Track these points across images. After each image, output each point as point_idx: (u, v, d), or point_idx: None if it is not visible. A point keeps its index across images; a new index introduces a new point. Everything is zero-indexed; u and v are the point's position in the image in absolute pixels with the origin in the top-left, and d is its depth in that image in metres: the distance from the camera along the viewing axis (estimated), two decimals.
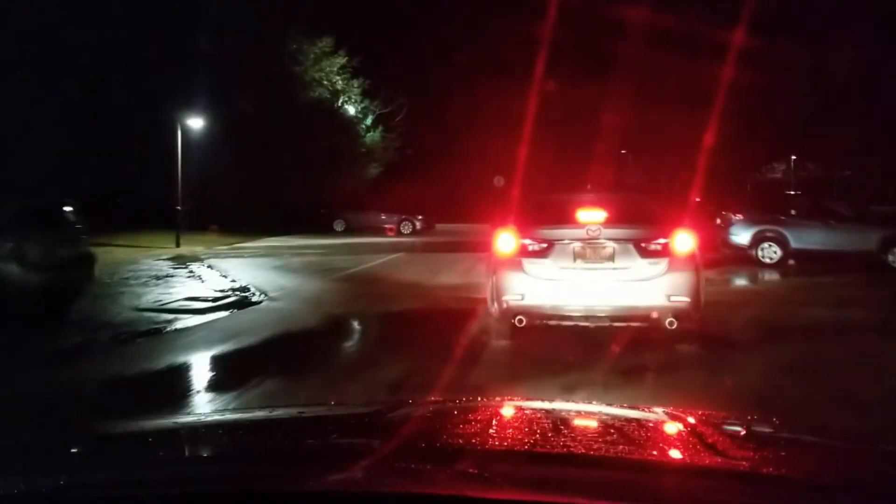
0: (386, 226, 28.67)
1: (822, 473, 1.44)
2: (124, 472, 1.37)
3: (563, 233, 6.21)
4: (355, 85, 34.87)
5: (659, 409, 2.07)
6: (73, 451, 1.64)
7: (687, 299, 6.01)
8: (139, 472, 1.35)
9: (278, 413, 2.22)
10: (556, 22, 23.97)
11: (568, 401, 4.02)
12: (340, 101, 34.41)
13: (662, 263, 6.02)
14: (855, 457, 1.66)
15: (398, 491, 1.17)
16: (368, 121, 37.06)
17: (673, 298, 5.98)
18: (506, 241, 6.31)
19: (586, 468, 1.33)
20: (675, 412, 1.99)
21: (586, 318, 6.19)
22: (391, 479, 1.22)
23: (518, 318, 6.25)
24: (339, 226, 28.85)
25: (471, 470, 1.23)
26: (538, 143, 27.75)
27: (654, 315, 6.07)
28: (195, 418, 2.73)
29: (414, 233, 28.61)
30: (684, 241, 6.16)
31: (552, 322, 6.35)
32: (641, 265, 6.04)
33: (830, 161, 56.04)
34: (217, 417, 2.54)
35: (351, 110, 36.23)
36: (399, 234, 28.44)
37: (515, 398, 3.49)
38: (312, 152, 29.67)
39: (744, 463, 1.43)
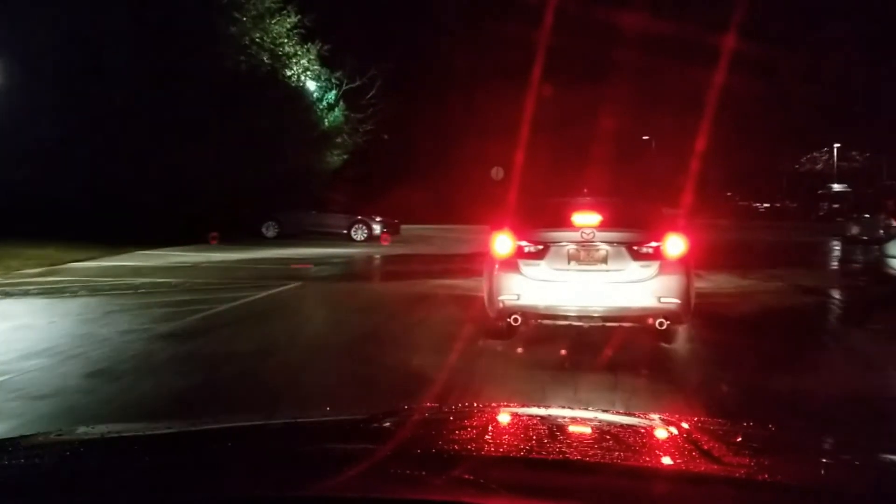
0: (333, 230, 21.01)
1: (819, 480, 1.43)
2: (115, 478, 1.31)
3: (559, 235, 6.16)
4: (311, 51, 27.10)
5: (655, 416, 2.06)
6: (59, 456, 1.53)
7: (677, 301, 5.97)
8: (131, 479, 1.30)
9: (273, 420, 2.17)
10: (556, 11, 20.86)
11: (565, 406, 3.48)
12: (293, 70, 26.66)
13: (654, 266, 6.00)
14: (852, 463, 1.63)
15: (394, 497, 1.17)
16: (331, 97, 29.35)
17: (663, 300, 5.94)
18: (503, 242, 6.26)
19: (582, 475, 1.31)
20: (670, 419, 2.01)
21: (580, 317, 6.18)
22: (387, 485, 1.20)
23: (514, 317, 6.21)
24: (269, 230, 21.22)
25: (466, 476, 1.21)
26: (536, 143, 25.27)
27: (646, 316, 6.05)
28: (188, 426, 2.20)
29: (370, 239, 20.94)
30: (675, 244, 6.09)
31: (547, 321, 6.36)
32: (633, 267, 6.01)
33: (880, 148, 48.24)
34: (211, 425, 2.04)
35: (311, 85, 28.55)
36: (350, 240, 20.79)
37: (511, 404, 3.23)
38: (240, 133, 22.05)
39: (740, 470, 1.42)
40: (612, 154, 34.65)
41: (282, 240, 20.43)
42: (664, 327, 6.06)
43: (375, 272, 13.84)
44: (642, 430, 1.84)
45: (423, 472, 1.25)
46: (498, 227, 6.41)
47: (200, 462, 1.43)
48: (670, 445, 1.71)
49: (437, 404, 2.83)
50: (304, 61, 27.12)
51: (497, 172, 34.53)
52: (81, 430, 1.96)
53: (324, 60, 28.19)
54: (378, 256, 17.09)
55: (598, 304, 6.08)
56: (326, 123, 28.34)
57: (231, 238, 19.81)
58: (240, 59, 24.08)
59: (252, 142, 22.60)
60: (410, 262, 16.14)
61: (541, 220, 6.46)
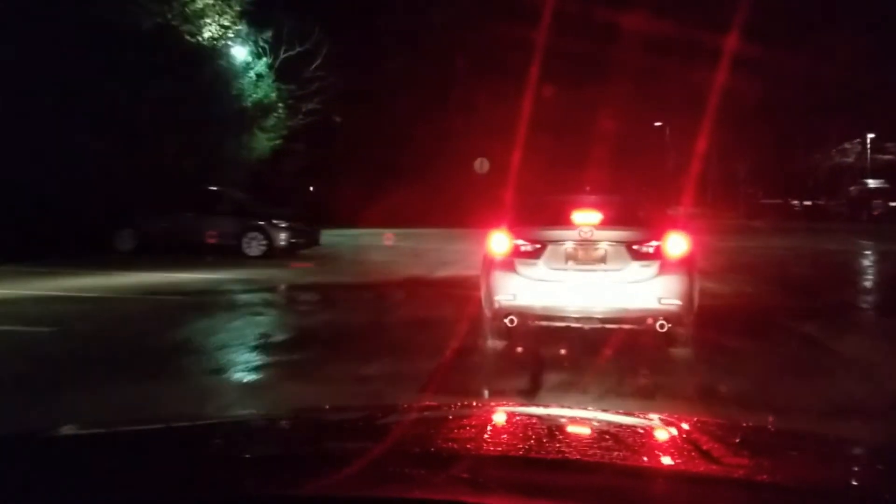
0: (216, 240, 14.09)
1: (817, 479, 1.40)
2: (113, 475, 1.26)
3: (556, 234, 5.86)
4: (231, 6, 20.22)
5: (654, 416, 2.01)
6: (57, 452, 1.46)
7: (678, 302, 5.63)
8: (128, 476, 1.25)
9: (271, 417, 2.16)
10: None
11: (563, 405, 3.29)
12: (204, 28, 19.77)
13: (654, 266, 5.69)
14: (850, 462, 1.61)
15: (391, 496, 1.13)
16: (262, 66, 22.48)
17: (664, 301, 5.62)
18: (499, 241, 5.96)
19: (581, 474, 1.27)
20: (670, 418, 1.95)
21: (577, 319, 5.88)
22: (384, 483, 1.15)
23: (510, 318, 5.89)
24: (125, 241, 14.23)
25: (464, 475, 1.17)
26: (534, 136, 21.98)
27: (645, 317, 5.73)
28: (186, 422, 2.06)
29: (270, 254, 13.95)
30: (676, 243, 5.74)
31: (543, 322, 6.03)
32: (633, 267, 5.70)
33: None
34: (209, 421, 2.12)
35: (240, 52, 21.75)
36: (240, 255, 13.86)
37: (510, 403, 3.20)
38: (105, 109, 15.19)
39: (739, 470, 1.41)
40: (619, 150, 28.93)
41: (138, 256, 13.53)
42: (664, 329, 5.65)
43: (150, 342, 6.74)
44: (641, 430, 1.78)
45: (422, 471, 1.23)
46: (495, 224, 6.09)
47: (197, 460, 1.38)
48: (669, 445, 1.66)
49: (435, 403, 2.67)
50: (221, 19, 20.29)
51: (481, 164, 28.22)
52: (77, 427, 1.78)
53: (251, 19, 21.36)
54: (230, 293, 10.07)
55: (596, 306, 5.72)
56: (251, 99, 21.47)
57: (67, 254, 13.01)
58: (115, 10, 17.23)
59: (123, 120, 15.78)
60: (278, 306, 9.21)
61: (538, 217, 6.13)
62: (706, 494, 1.20)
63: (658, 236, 5.70)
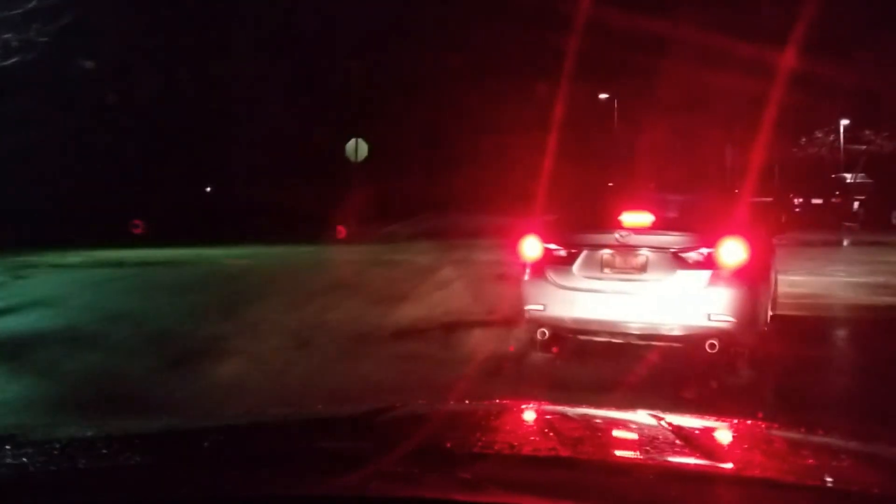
0: None
1: (816, 477, 1.40)
2: (113, 475, 1.27)
3: (591, 238, 5.52)
4: None
5: (652, 413, 1.97)
6: (56, 452, 1.47)
7: (732, 319, 5.06)
8: (125, 477, 1.26)
9: (269, 417, 2.15)
10: None
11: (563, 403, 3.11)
12: None
13: (704, 276, 5.17)
14: (850, 459, 1.58)
15: (389, 495, 1.15)
16: None
17: (715, 318, 5.06)
18: (531, 245, 5.68)
19: (578, 472, 1.30)
20: (661, 415, 1.92)
21: (612, 334, 5.49)
22: (382, 482, 1.16)
23: (540, 330, 5.58)
24: None
25: (462, 474, 1.19)
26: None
27: (691, 336, 5.23)
28: (187, 423, 2.19)
29: None
30: (733, 250, 5.17)
31: (581, 337, 5.71)
32: (678, 277, 5.22)
33: None
34: (209, 422, 2.12)
35: None
36: None
37: (508, 401, 3.06)
38: None
39: (731, 466, 1.42)
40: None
41: None
42: (714, 350, 5.04)
43: None
44: (639, 428, 1.76)
45: (419, 470, 1.22)
46: (528, 228, 5.80)
47: (194, 460, 1.38)
48: (668, 443, 1.63)
49: (431, 402, 2.69)
50: None
51: (355, 149, 19.86)
52: (76, 427, 1.82)
53: None
54: None
55: (633, 320, 5.27)
56: None
57: None
58: None
59: None
60: None
61: (573, 219, 5.87)
62: (704, 491, 1.20)
63: (710, 242, 5.12)
